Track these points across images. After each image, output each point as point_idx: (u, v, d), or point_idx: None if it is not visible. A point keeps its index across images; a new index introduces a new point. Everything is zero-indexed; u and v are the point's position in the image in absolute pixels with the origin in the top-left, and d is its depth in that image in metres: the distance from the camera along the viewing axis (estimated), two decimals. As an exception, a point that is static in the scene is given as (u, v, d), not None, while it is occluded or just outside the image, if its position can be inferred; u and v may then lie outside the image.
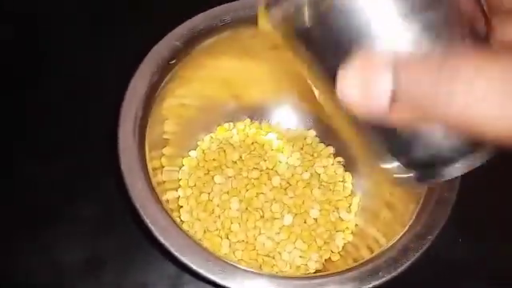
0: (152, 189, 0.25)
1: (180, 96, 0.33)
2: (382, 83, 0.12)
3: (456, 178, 0.24)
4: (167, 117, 0.33)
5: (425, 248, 0.24)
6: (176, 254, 0.24)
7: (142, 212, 0.25)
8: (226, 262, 0.24)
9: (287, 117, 0.39)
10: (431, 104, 0.12)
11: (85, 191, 0.36)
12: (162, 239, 0.24)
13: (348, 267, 0.25)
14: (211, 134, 0.38)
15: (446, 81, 0.11)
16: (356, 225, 0.35)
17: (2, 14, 0.43)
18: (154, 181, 0.27)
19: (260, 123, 0.38)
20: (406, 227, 0.26)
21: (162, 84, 0.29)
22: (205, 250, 0.25)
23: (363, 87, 0.12)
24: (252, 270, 0.25)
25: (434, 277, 0.34)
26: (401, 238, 0.25)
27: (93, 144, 0.37)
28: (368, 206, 0.35)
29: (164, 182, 0.33)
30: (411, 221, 0.26)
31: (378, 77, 0.12)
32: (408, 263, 0.23)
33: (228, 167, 0.36)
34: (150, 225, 0.24)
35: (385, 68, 0.12)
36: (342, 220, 0.35)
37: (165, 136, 0.33)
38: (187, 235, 0.24)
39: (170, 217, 0.24)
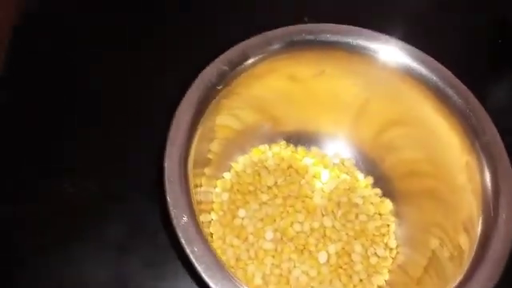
0: (196, 223, 0.24)
1: (223, 117, 0.32)
2: None
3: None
4: (208, 137, 0.32)
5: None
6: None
7: (184, 243, 0.24)
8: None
9: (325, 143, 0.37)
10: None
11: (115, 209, 0.35)
12: (206, 277, 0.23)
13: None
14: (245, 156, 0.37)
15: None
16: (394, 262, 0.33)
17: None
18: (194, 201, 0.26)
19: (296, 147, 0.38)
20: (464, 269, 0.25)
21: (209, 107, 0.29)
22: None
23: None
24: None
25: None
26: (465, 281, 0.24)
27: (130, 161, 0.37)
28: (408, 243, 0.33)
29: (201, 202, 0.32)
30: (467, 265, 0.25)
31: None
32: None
33: (262, 192, 0.35)
34: (191, 257, 0.24)
35: None
36: (379, 257, 0.33)
37: (208, 155, 0.32)
38: (230, 273, 0.23)
39: (215, 255, 0.24)
